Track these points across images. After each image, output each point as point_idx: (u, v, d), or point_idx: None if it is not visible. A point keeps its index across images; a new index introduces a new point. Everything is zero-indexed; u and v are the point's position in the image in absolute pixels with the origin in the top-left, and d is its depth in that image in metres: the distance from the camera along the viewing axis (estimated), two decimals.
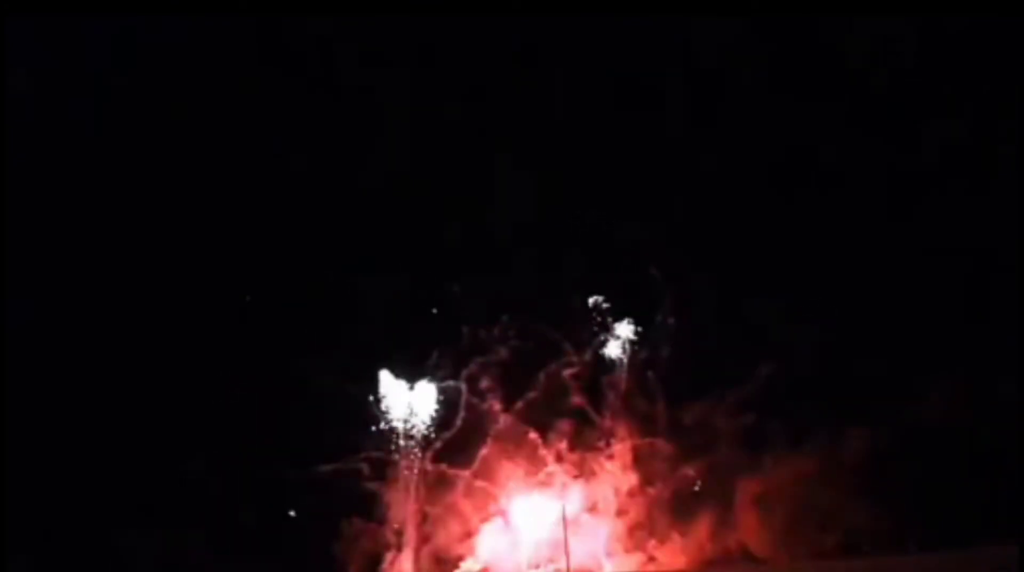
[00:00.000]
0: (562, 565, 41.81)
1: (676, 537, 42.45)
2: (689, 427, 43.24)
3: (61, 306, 47.48)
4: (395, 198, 47.67)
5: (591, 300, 45.92)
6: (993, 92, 40.87)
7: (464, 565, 44.39)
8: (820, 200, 43.57)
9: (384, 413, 46.19)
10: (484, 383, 45.90)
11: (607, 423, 44.92)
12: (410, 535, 45.04)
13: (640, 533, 43.10)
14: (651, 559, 42.93)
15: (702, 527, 42.36)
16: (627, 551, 43.12)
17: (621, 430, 44.55)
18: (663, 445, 43.64)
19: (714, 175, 45.10)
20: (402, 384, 46.24)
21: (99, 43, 48.99)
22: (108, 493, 45.63)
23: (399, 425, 46.02)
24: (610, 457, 44.38)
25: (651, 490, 43.37)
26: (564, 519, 42.10)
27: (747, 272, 43.57)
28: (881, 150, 43.01)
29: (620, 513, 43.47)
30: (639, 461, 43.98)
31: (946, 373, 40.40)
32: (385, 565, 44.59)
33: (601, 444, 44.68)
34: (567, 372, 45.36)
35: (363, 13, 45.67)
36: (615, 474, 43.99)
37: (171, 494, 44.69)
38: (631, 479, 43.77)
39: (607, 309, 45.88)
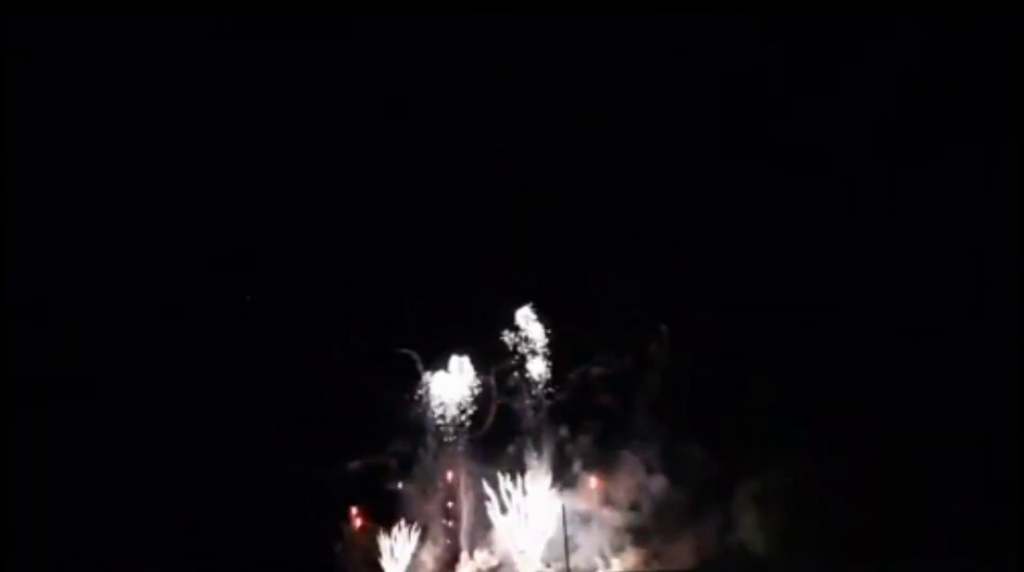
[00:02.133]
0: (571, 562, 42.36)
1: (682, 535, 42.88)
2: (711, 428, 43.28)
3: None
4: (427, 199, 48.12)
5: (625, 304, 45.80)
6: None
7: (479, 557, 44.87)
8: (833, 212, 43.90)
9: (414, 409, 46.99)
10: (513, 382, 46.59)
11: (635, 423, 45.25)
12: (433, 529, 46.20)
13: (648, 531, 43.75)
14: (656, 556, 43.34)
15: (707, 526, 42.79)
16: (634, 547, 43.72)
17: (648, 430, 44.81)
18: (687, 446, 43.78)
19: (745, 182, 45.14)
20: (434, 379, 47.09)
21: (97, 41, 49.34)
22: (118, 491, 45.79)
23: (429, 419, 46.87)
24: (632, 456, 44.80)
25: (666, 489, 43.81)
26: (564, 519, 41.79)
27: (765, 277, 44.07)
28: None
29: (632, 510, 44.04)
30: (660, 461, 44.36)
31: (946, 374, 40.36)
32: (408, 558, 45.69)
33: (627, 443, 45.09)
34: (596, 372, 45.73)
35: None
36: (635, 473, 44.29)
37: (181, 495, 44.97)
38: (650, 478, 44.20)
39: (642, 313, 45.84)
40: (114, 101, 49.44)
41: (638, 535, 43.93)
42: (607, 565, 43.85)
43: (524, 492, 44.80)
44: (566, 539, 42.29)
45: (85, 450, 47.32)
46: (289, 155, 49.42)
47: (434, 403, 47.09)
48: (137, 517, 46.54)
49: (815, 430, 41.29)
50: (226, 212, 49.27)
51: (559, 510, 43.56)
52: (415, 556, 46.01)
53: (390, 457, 46.79)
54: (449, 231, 47.61)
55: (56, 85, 48.57)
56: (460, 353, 47.13)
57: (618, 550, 44.14)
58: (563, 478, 45.01)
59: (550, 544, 43.65)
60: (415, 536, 45.94)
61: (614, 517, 44.16)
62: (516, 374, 46.60)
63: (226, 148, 49.43)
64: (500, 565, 44.78)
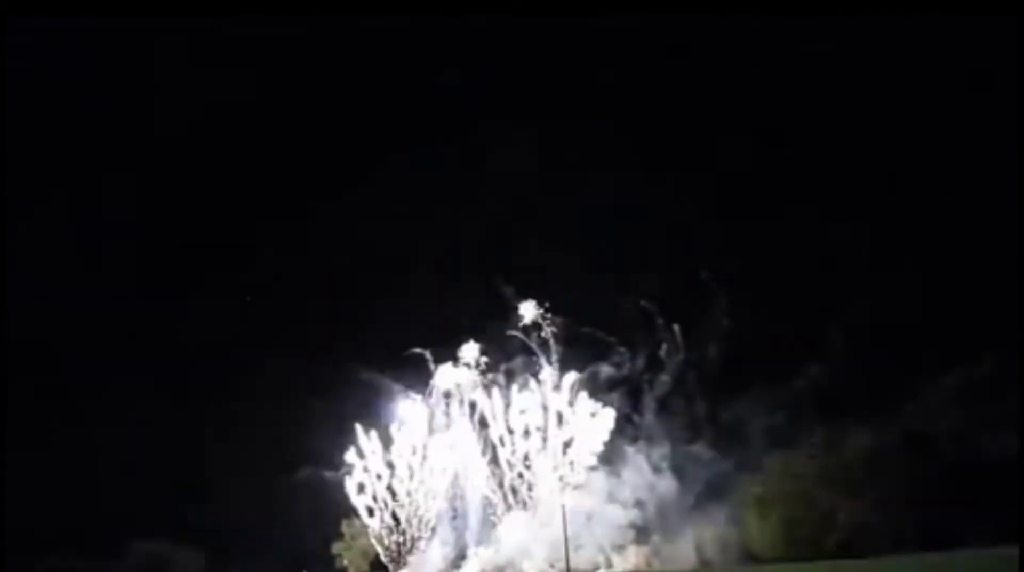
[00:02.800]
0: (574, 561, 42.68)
1: (685, 534, 43.23)
2: (718, 428, 43.67)
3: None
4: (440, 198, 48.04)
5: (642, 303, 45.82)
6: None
7: (484, 555, 45.46)
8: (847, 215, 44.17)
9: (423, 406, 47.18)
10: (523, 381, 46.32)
11: (644, 422, 45.61)
12: (440, 526, 46.65)
13: (651, 529, 44.16)
14: (657, 554, 43.69)
15: (707, 526, 43.14)
16: (636, 545, 44.08)
17: (656, 430, 45.09)
18: (694, 446, 44.09)
19: (761, 182, 45.62)
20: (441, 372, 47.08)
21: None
22: (118, 490, 45.69)
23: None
24: (639, 454, 45.09)
25: (670, 487, 44.09)
26: (564, 520, 41.87)
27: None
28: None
29: (637, 508, 44.36)
30: (667, 460, 44.66)
31: (947, 374, 40.59)
32: (416, 555, 46.21)
33: (634, 442, 45.35)
34: (608, 371, 45.91)
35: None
36: (641, 471, 44.56)
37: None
38: (655, 477, 44.46)
39: (657, 311, 45.89)
40: (114, 101, 49.48)
41: (641, 533, 44.22)
42: (609, 564, 44.02)
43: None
44: (566, 538, 42.37)
45: (87, 447, 47.43)
46: (295, 154, 49.54)
47: (441, 398, 47.34)
48: (137, 516, 46.50)
49: (818, 430, 41.69)
50: (230, 211, 49.40)
51: (564, 509, 43.56)
52: (423, 553, 46.33)
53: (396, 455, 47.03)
54: (465, 231, 47.68)
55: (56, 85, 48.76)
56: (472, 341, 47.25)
57: (620, 548, 44.24)
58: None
59: (553, 544, 43.62)
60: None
61: (617, 515, 44.37)
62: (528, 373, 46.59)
63: (228, 146, 49.49)
64: (506, 564, 45.00)
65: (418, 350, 47.14)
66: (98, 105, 49.54)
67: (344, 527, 48.42)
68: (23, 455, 45.01)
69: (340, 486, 46.57)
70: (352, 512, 47.34)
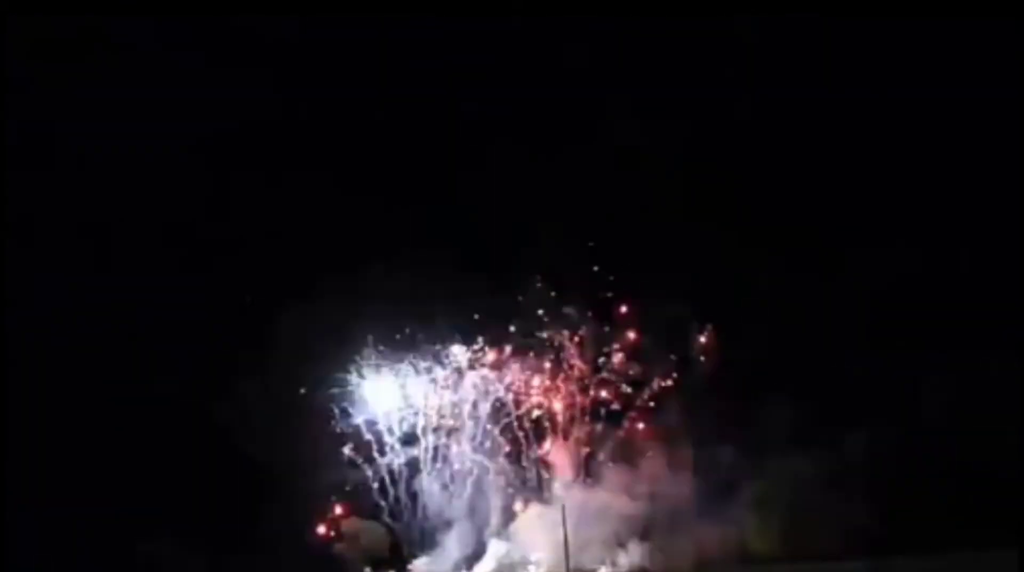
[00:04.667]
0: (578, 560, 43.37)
1: (692, 533, 43.69)
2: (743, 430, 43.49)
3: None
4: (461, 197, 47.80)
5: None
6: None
7: (499, 552, 46.21)
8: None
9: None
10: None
11: (668, 421, 45.55)
12: (457, 521, 46.95)
13: (657, 527, 44.60)
14: (661, 552, 44.49)
15: (705, 526, 43.53)
16: (640, 542, 44.69)
17: (681, 429, 45.15)
18: (716, 448, 43.94)
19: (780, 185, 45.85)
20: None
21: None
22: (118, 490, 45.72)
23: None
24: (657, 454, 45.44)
25: (685, 488, 44.41)
26: (564, 520, 42.66)
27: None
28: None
29: (646, 505, 44.81)
30: (687, 460, 44.82)
31: (947, 373, 41.00)
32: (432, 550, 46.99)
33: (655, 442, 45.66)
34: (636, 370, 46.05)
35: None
36: (658, 470, 44.94)
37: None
38: (671, 475, 44.76)
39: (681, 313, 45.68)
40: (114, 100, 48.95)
41: (646, 531, 44.73)
42: (613, 563, 44.72)
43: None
44: (566, 539, 42.97)
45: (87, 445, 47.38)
46: (305, 156, 49.09)
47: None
48: (136, 515, 46.59)
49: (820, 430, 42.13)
50: (242, 209, 49.02)
51: (563, 509, 44.05)
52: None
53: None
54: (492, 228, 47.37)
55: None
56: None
57: (623, 546, 44.78)
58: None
59: (558, 546, 43.95)
60: None
61: (624, 513, 44.89)
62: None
63: (233, 145, 49.06)
64: (520, 560, 45.74)
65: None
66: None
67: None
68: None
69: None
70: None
